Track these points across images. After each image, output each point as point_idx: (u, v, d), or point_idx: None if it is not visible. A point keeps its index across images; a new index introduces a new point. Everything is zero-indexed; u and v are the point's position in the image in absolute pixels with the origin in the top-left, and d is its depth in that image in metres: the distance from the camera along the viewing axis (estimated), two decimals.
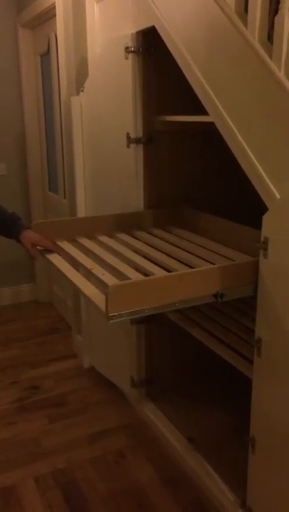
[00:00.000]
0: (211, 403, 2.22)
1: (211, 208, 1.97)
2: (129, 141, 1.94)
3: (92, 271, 1.52)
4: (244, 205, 2.04)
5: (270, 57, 1.24)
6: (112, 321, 1.22)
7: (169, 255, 1.65)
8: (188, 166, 2.08)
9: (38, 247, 1.77)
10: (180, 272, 1.35)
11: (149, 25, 1.75)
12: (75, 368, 2.64)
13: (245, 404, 1.60)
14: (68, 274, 1.52)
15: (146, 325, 2.16)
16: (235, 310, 2.00)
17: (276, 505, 1.42)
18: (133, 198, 2.01)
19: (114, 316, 1.22)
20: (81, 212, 2.40)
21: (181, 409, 2.18)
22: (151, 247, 1.76)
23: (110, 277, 1.44)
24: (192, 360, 2.28)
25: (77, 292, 2.47)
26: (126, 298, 1.23)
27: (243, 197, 1.98)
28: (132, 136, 1.93)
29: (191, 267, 1.49)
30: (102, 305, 1.24)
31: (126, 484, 1.85)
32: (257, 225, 1.35)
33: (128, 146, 1.95)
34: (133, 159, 1.96)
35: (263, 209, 1.30)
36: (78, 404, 2.32)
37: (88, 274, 1.53)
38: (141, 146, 1.94)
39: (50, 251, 1.75)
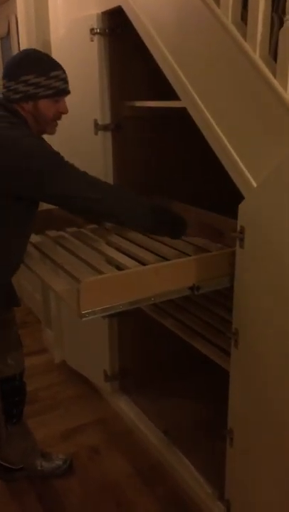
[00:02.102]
0: (186, 395, 2.20)
1: (185, 197, 1.92)
2: (97, 128, 1.86)
3: (62, 265, 1.44)
4: (220, 194, 2.00)
5: (244, 38, 1.19)
6: (84, 319, 1.16)
7: (142, 247, 1.60)
8: (160, 154, 2.02)
9: None
10: (155, 264, 1.29)
11: (115, 5, 1.67)
12: (45, 363, 2.57)
13: (220, 395, 1.58)
14: (37, 270, 1.45)
15: (119, 317, 2.11)
16: (209, 300, 1.98)
17: (255, 498, 1.41)
18: None
19: (86, 313, 1.16)
20: None
21: (156, 402, 2.15)
22: (123, 238, 1.70)
23: (81, 271, 1.37)
24: (166, 352, 2.25)
25: (46, 288, 2.40)
26: (99, 294, 1.17)
27: (219, 185, 1.95)
28: (100, 122, 1.85)
29: (166, 259, 1.44)
30: (73, 302, 1.17)
31: (102, 482, 1.80)
32: (234, 214, 1.31)
33: (96, 134, 1.87)
34: (101, 147, 1.88)
35: (240, 198, 1.26)
36: (50, 401, 2.26)
37: (58, 269, 1.46)
38: (109, 133, 1.87)
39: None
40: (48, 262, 1.55)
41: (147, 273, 1.22)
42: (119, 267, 1.43)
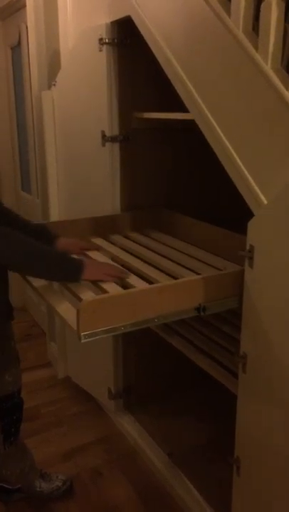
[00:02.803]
0: (191, 415, 2.12)
1: (195, 210, 1.87)
2: (105, 139, 1.82)
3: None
4: (232, 207, 1.95)
5: (256, 49, 1.13)
6: (84, 341, 1.10)
7: (147, 262, 1.54)
8: (169, 166, 1.97)
9: None
10: (160, 284, 1.23)
11: (124, 15, 1.63)
12: (48, 378, 2.51)
13: (227, 416, 1.51)
14: (37, 285, 1.40)
15: (124, 334, 2.04)
16: (218, 318, 1.91)
17: None
18: (109, 199, 1.89)
19: (86, 335, 1.10)
20: (54, 213, 2.27)
21: (161, 421, 2.08)
22: (129, 253, 1.65)
23: (84, 290, 1.32)
24: (171, 370, 2.18)
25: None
26: (100, 314, 1.11)
27: (231, 198, 1.89)
28: (108, 134, 1.81)
29: (172, 276, 1.39)
30: (73, 322, 1.11)
31: (103, 506, 1.73)
32: (242, 230, 1.25)
33: (103, 145, 1.83)
34: (109, 159, 1.84)
35: (249, 213, 1.20)
36: (52, 418, 2.20)
37: (61, 286, 1.40)
38: (117, 144, 1.83)
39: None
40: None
41: (151, 293, 1.16)
42: (122, 285, 1.37)
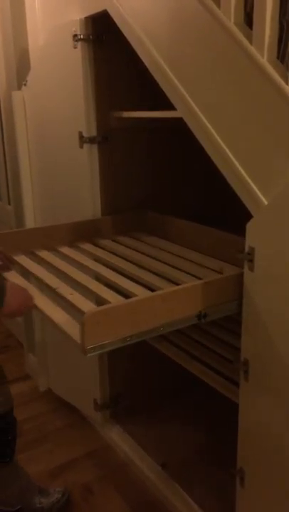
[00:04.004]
0: (183, 423, 2.06)
1: (179, 212, 1.81)
2: (82, 140, 1.73)
3: (58, 290, 1.31)
4: (220, 207, 1.91)
5: (250, 41, 1.08)
6: (90, 355, 1.03)
7: (142, 267, 1.47)
8: (150, 167, 1.90)
9: None
10: (163, 291, 1.15)
11: (99, 9, 1.55)
12: (29, 392, 2.39)
13: (220, 423, 1.47)
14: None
15: None
16: (211, 323, 1.86)
17: None
18: (89, 203, 1.81)
19: (92, 348, 1.03)
20: (30, 220, 2.17)
21: (151, 430, 2.01)
22: (120, 257, 1.57)
23: (81, 298, 1.24)
24: (160, 376, 2.12)
25: (43, 319, 2.25)
26: (105, 325, 1.03)
27: (218, 199, 1.86)
28: (85, 135, 1.72)
29: (171, 281, 1.32)
30: (76, 335, 1.03)
31: None
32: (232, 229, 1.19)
33: (81, 147, 1.74)
34: (87, 160, 1.75)
35: (239, 212, 1.15)
36: (35, 434, 2.09)
37: (53, 294, 1.31)
38: (95, 145, 1.74)
39: (5, 268, 1.47)
40: (43, 287, 1.40)
41: (154, 301, 1.09)
42: (119, 291, 1.30)
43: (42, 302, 1.25)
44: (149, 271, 1.43)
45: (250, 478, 1.30)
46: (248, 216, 1.13)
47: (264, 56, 1.05)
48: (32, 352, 2.50)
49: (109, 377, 2.01)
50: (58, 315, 1.17)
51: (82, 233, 1.74)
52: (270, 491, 1.24)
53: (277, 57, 1.07)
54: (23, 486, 1.64)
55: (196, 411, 2.12)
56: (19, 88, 2.07)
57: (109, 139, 1.76)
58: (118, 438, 2.00)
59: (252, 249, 1.13)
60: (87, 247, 1.69)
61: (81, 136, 1.73)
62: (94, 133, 1.73)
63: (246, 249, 1.15)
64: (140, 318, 1.07)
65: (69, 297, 1.26)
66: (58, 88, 1.82)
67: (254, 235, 1.13)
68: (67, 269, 1.49)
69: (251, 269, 1.15)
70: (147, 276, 1.40)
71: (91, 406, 2.05)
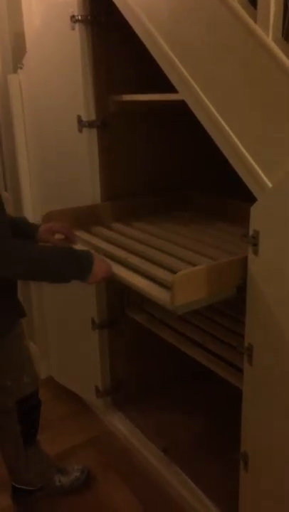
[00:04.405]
0: (184, 407, 2.07)
1: (179, 199, 1.79)
2: (81, 124, 1.70)
3: (129, 260, 1.40)
4: (221, 195, 1.90)
5: (255, 20, 1.05)
6: (180, 312, 1.20)
7: (166, 252, 1.48)
8: (152, 152, 1.87)
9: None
10: (228, 259, 1.25)
11: None
12: None
13: (221, 408, 1.47)
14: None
15: (110, 329, 1.96)
16: (209, 308, 1.85)
17: None
18: (88, 188, 1.78)
19: (181, 306, 1.16)
20: (27, 207, 2.14)
21: (153, 417, 2.01)
22: (141, 243, 1.57)
23: (152, 267, 1.35)
24: (161, 363, 2.11)
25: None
26: (191, 286, 1.16)
27: (219, 186, 1.85)
28: (84, 119, 1.69)
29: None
30: (161, 297, 1.19)
31: (99, 511, 1.66)
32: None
33: (80, 131, 1.71)
34: (86, 145, 1.72)
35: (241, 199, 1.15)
36: None
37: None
38: (95, 130, 1.71)
39: (70, 241, 1.52)
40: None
41: (231, 265, 1.21)
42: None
43: (119, 270, 1.37)
44: (174, 256, 1.46)
45: (254, 462, 1.30)
46: (251, 202, 1.12)
47: (269, 35, 1.03)
48: (32, 339, 2.49)
49: (110, 363, 2.01)
50: (137, 280, 1.31)
51: (91, 218, 1.75)
52: (274, 474, 1.24)
53: (283, 34, 1.04)
54: (44, 465, 1.67)
55: (197, 398, 2.12)
56: (15, 71, 2.03)
57: (109, 123, 1.73)
58: (120, 424, 2.00)
59: (256, 232, 1.12)
60: (98, 230, 1.71)
61: (80, 120, 1.70)
62: (93, 117, 1.70)
63: (250, 232, 1.13)
64: (218, 280, 1.20)
65: (143, 266, 1.36)
66: (56, 71, 1.78)
67: (258, 218, 1.11)
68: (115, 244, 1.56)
69: (256, 253, 1.14)
70: (175, 262, 1.43)
71: (93, 393, 2.05)
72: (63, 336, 2.19)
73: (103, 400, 2.05)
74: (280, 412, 1.17)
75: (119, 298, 1.93)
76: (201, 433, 1.92)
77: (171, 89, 1.29)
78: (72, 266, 1.31)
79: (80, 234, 1.66)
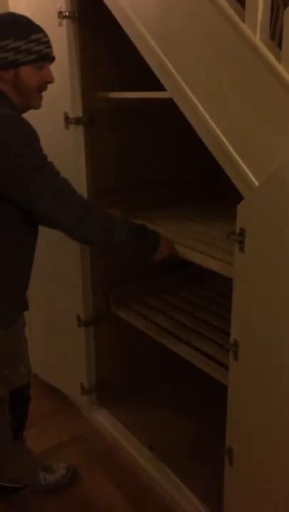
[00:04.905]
0: (170, 404, 2.08)
1: (166, 196, 1.80)
2: (68, 121, 1.70)
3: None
4: (208, 192, 1.91)
5: (243, 20, 1.06)
6: None
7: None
8: (139, 150, 1.87)
9: None
10: None
11: None
12: None
13: (208, 405, 1.47)
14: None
15: (96, 325, 1.96)
16: (194, 304, 1.87)
17: None
18: (75, 185, 1.77)
19: None
20: None
21: (139, 415, 2.02)
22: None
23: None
24: (147, 360, 2.12)
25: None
26: None
27: (206, 184, 1.86)
28: (71, 115, 1.69)
29: None
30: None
31: (84, 508, 1.66)
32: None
33: (67, 128, 1.71)
34: (73, 142, 1.72)
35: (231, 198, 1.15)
36: None
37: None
38: (81, 127, 1.71)
39: None
40: None
41: None
42: None
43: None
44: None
45: (239, 457, 1.31)
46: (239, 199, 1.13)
47: (256, 35, 1.04)
48: None
49: (96, 361, 2.01)
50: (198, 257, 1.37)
51: None
52: (259, 469, 1.26)
53: (273, 36, 1.06)
54: (29, 462, 1.68)
55: (184, 395, 2.13)
56: None
57: (96, 120, 1.73)
58: (105, 422, 2.01)
59: (243, 230, 1.13)
60: None
61: (66, 117, 1.70)
62: (80, 113, 1.70)
63: (237, 230, 1.14)
64: None
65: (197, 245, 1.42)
66: None
67: (245, 216, 1.12)
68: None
69: (242, 250, 1.15)
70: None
71: (77, 390, 2.04)
72: (48, 333, 2.18)
73: (88, 398, 2.05)
74: (265, 408, 1.19)
75: (105, 295, 1.93)
76: (188, 430, 1.93)
77: (161, 87, 1.29)
78: (143, 240, 1.39)
79: None
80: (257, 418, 1.22)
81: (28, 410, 1.62)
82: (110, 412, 2.03)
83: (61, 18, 1.60)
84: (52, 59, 1.33)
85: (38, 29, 1.28)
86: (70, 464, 1.80)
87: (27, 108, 1.35)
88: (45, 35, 1.29)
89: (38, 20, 1.72)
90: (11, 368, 1.48)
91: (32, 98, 1.32)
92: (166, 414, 2.02)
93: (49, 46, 1.30)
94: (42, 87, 1.33)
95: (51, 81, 1.33)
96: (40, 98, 1.35)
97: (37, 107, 1.36)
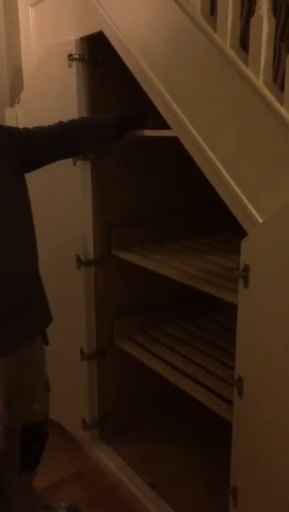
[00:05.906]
0: (173, 441, 2.04)
1: (176, 229, 1.84)
2: (76, 158, 1.74)
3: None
4: (216, 225, 1.95)
5: (245, 63, 1.11)
6: None
7: None
8: (147, 185, 1.92)
9: None
10: None
11: (95, 30, 1.58)
12: None
13: (211, 441, 1.45)
14: None
15: (98, 359, 1.95)
16: (197, 338, 1.87)
17: None
18: (80, 220, 1.81)
19: None
20: None
21: (141, 450, 1.98)
22: None
23: None
24: (150, 395, 2.10)
25: None
26: None
27: (215, 217, 1.89)
28: None
29: None
30: None
31: None
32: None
33: (74, 164, 1.75)
34: (80, 178, 1.76)
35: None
36: None
37: None
38: (89, 163, 1.75)
39: None
40: None
41: None
42: None
43: None
44: None
45: (244, 498, 1.28)
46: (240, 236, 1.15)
47: (260, 78, 1.08)
48: None
49: (98, 395, 1.99)
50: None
51: None
52: (264, 511, 1.23)
53: (275, 79, 1.10)
54: (31, 499, 1.63)
55: (187, 429, 2.09)
56: (12, 106, 2.09)
57: (104, 157, 1.77)
58: (107, 458, 1.97)
59: (247, 266, 1.14)
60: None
61: None
62: None
63: (241, 266, 1.16)
64: None
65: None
66: (52, 106, 1.83)
67: (249, 252, 1.14)
68: None
69: (246, 285, 1.16)
70: None
71: (79, 425, 2.01)
72: (50, 366, 2.16)
73: (90, 433, 2.01)
74: (270, 446, 1.17)
75: (109, 327, 1.93)
76: (191, 467, 1.89)
77: (167, 124, 1.33)
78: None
79: None
80: (262, 458, 1.20)
81: (43, 447, 1.56)
82: (112, 448, 1.99)
83: (71, 60, 1.66)
84: None
85: None
86: (71, 503, 1.75)
87: None
88: None
89: (48, 61, 1.81)
90: (24, 402, 1.45)
91: None
92: (169, 450, 1.98)
93: None
94: None
95: None
96: None
97: None
